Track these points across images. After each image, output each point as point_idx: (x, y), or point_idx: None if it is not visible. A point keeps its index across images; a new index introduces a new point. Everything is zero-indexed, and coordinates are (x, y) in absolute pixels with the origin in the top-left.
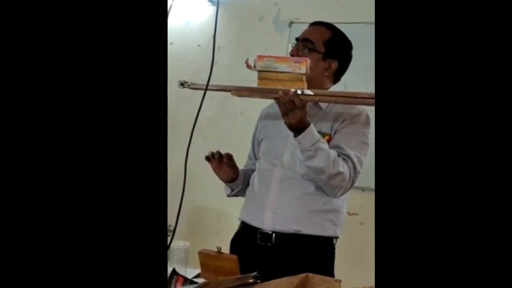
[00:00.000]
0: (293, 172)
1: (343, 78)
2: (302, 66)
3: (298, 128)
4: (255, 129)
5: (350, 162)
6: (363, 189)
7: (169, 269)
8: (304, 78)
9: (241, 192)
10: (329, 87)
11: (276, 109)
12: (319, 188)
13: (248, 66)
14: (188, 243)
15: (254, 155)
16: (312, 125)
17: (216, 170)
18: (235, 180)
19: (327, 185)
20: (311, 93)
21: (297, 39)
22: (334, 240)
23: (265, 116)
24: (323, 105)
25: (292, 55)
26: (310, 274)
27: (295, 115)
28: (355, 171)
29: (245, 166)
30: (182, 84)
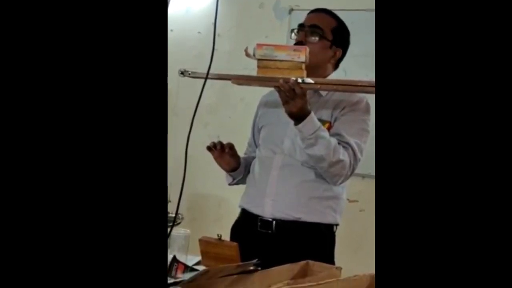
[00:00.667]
0: (293, 159)
1: (342, 65)
2: (301, 54)
3: (298, 116)
4: (255, 116)
5: (350, 149)
6: (363, 176)
7: (170, 256)
8: (303, 66)
9: (242, 180)
10: (330, 74)
11: (276, 96)
12: (319, 175)
13: (247, 55)
14: (188, 231)
15: (254, 142)
16: (312, 113)
17: (218, 160)
18: (236, 169)
19: (327, 173)
20: (312, 82)
21: (301, 25)
22: (334, 227)
23: (265, 104)
24: (323, 92)
25: (299, 41)
26: (311, 261)
27: (295, 104)
28: (355, 159)
29: (245, 153)
30: (183, 73)
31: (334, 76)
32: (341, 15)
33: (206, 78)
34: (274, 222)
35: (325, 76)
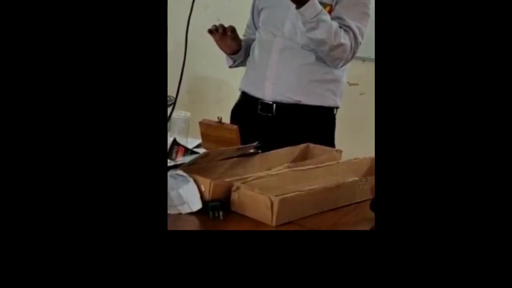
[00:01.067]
0: (294, 42)
1: None
2: None
3: (300, 0)
4: (253, 3)
5: (351, 33)
6: (363, 60)
7: (170, 139)
8: None
9: (243, 63)
10: None
11: None
12: (319, 58)
13: None
14: (188, 113)
15: (254, 25)
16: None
17: (219, 42)
18: (237, 52)
19: (328, 56)
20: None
21: None
22: (335, 110)
23: None
24: None
25: None
26: (311, 144)
27: None
28: (356, 42)
29: (244, 35)
30: None
31: None
32: None
33: None
34: (274, 105)
35: None
